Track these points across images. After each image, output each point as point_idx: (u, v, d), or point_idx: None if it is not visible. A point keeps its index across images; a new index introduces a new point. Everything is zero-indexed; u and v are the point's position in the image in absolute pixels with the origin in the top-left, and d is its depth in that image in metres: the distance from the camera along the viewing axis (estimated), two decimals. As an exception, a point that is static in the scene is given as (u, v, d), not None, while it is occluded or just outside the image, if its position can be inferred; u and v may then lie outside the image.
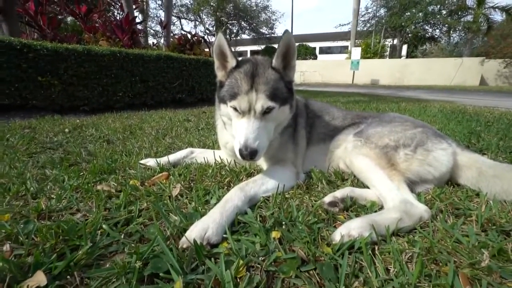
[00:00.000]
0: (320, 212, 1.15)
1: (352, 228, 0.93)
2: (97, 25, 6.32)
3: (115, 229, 1.00)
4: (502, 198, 1.21)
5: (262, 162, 1.57)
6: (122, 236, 0.95)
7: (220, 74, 1.42)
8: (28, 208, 1.13)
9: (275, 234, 0.94)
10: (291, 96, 1.39)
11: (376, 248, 0.89)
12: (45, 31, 5.26)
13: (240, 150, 1.19)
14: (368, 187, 1.33)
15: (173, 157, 1.78)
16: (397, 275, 0.76)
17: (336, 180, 1.51)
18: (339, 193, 1.24)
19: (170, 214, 1.11)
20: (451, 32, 27.20)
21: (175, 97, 5.70)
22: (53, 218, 1.09)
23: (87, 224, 1.00)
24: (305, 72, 25.20)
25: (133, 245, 0.90)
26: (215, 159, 1.76)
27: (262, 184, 1.28)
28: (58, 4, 7.82)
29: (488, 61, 20.77)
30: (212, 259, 0.83)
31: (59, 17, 7.58)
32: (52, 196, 1.25)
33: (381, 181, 1.23)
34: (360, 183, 1.43)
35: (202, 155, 1.83)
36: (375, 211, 1.15)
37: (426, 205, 1.14)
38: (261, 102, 1.23)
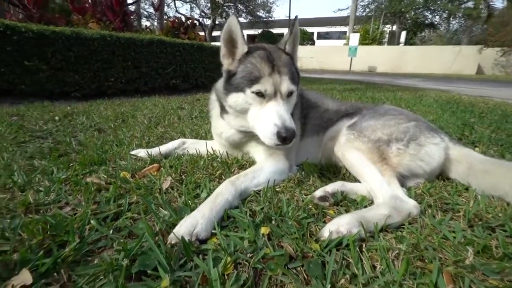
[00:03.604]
0: (310, 206, 1.15)
1: (341, 225, 0.94)
2: (86, 5, 6.04)
3: (104, 224, 1.00)
4: (490, 193, 1.22)
5: (255, 154, 1.54)
6: (111, 232, 0.94)
7: (227, 62, 1.35)
8: (15, 201, 1.11)
9: (264, 230, 0.94)
10: (299, 81, 1.41)
11: (364, 245, 0.90)
12: (31, 11, 5.01)
13: (279, 133, 1.14)
14: (359, 181, 1.33)
15: (165, 148, 1.75)
16: (383, 273, 0.77)
17: (328, 173, 1.51)
18: (330, 188, 1.24)
19: (160, 208, 1.10)
20: (451, 19, 26.80)
21: (169, 83, 5.58)
22: (41, 212, 1.07)
23: (76, 219, 0.99)
24: (301, 58, 24.75)
25: (121, 240, 0.89)
26: (207, 150, 1.74)
27: (254, 178, 1.26)
28: (45, -18, 7.41)
29: (486, 49, 20.65)
30: (201, 255, 0.84)
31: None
32: (40, 189, 1.22)
33: (372, 176, 1.23)
34: (351, 177, 1.44)
35: (194, 146, 1.81)
36: (365, 206, 1.16)
37: (416, 199, 1.15)
38: (286, 84, 1.24)
